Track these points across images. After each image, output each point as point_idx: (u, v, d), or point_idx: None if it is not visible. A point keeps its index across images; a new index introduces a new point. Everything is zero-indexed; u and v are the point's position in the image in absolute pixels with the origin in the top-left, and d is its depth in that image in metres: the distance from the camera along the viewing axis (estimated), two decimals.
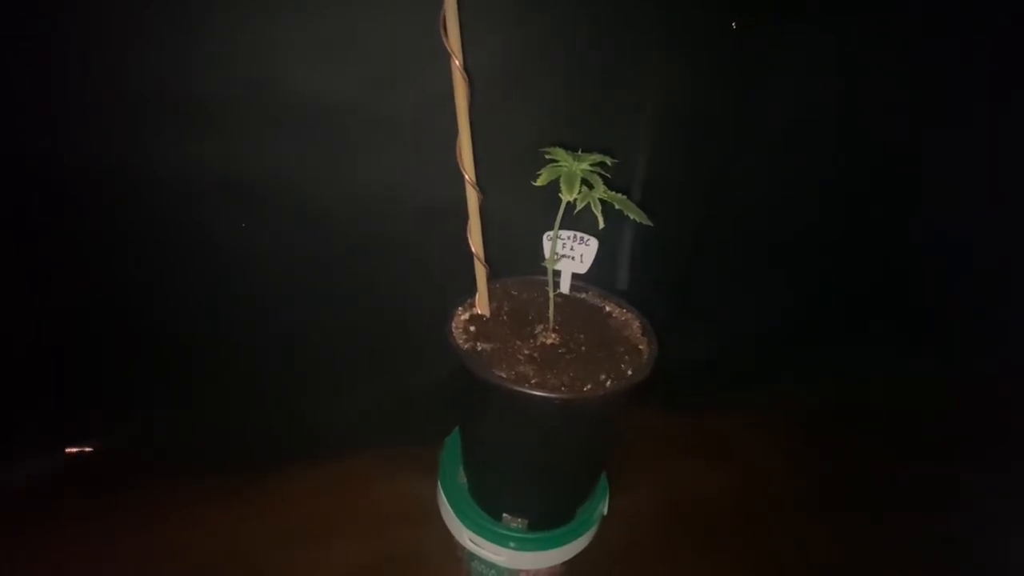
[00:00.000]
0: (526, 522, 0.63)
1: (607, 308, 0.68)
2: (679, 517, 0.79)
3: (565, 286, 0.68)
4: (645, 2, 0.67)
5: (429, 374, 0.77)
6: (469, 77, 0.52)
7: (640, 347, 0.62)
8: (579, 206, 0.52)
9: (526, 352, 0.60)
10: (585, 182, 0.53)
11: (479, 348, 0.59)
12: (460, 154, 0.56)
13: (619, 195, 0.54)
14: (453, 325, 0.62)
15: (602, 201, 0.53)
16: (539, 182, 0.52)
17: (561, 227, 0.58)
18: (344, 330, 0.77)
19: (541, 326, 0.63)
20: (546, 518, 0.64)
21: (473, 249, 0.61)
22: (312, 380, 0.79)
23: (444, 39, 0.49)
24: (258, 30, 0.60)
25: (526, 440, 0.58)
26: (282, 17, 0.59)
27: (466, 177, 0.57)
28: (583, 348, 0.61)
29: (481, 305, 0.64)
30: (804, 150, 0.85)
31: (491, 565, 0.64)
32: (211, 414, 0.76)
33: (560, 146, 0.56)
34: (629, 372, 0.58)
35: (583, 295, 0.69)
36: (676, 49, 0.71)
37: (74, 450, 0.74)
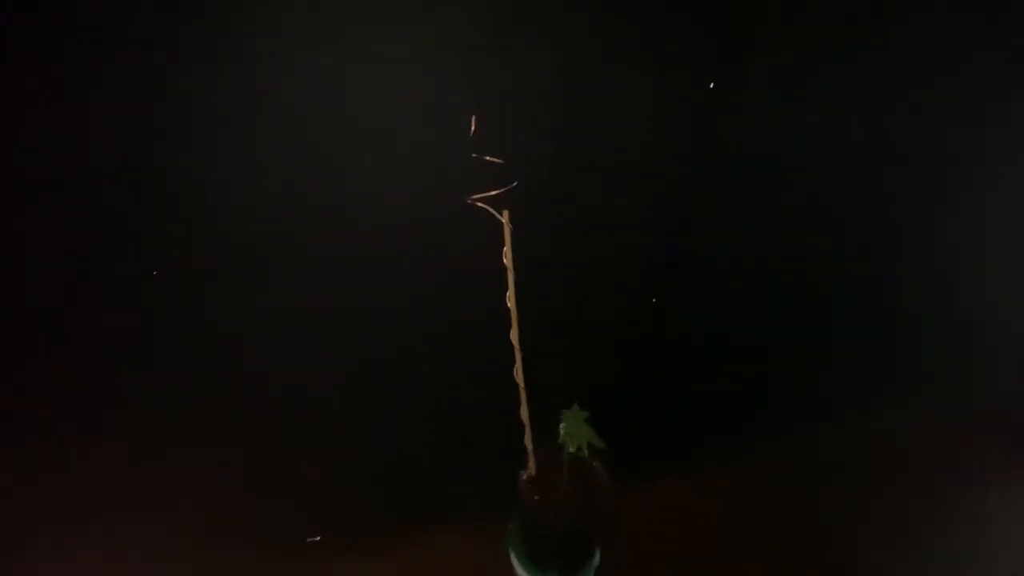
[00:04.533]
0: None
1: None
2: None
3: None
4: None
5: None
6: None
7: None
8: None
9: None
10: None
11: None
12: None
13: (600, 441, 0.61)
14: None
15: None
16: (561, 440, 0.60)
17: None
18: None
19: None
20: None
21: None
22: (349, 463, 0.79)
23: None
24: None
25: None
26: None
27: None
28: None
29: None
30: (788, 212, 0.80)
31: None
32: (253, 491, 0.78)
33: None
34: None
35: None
36: (658, 113, 0.71)
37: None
